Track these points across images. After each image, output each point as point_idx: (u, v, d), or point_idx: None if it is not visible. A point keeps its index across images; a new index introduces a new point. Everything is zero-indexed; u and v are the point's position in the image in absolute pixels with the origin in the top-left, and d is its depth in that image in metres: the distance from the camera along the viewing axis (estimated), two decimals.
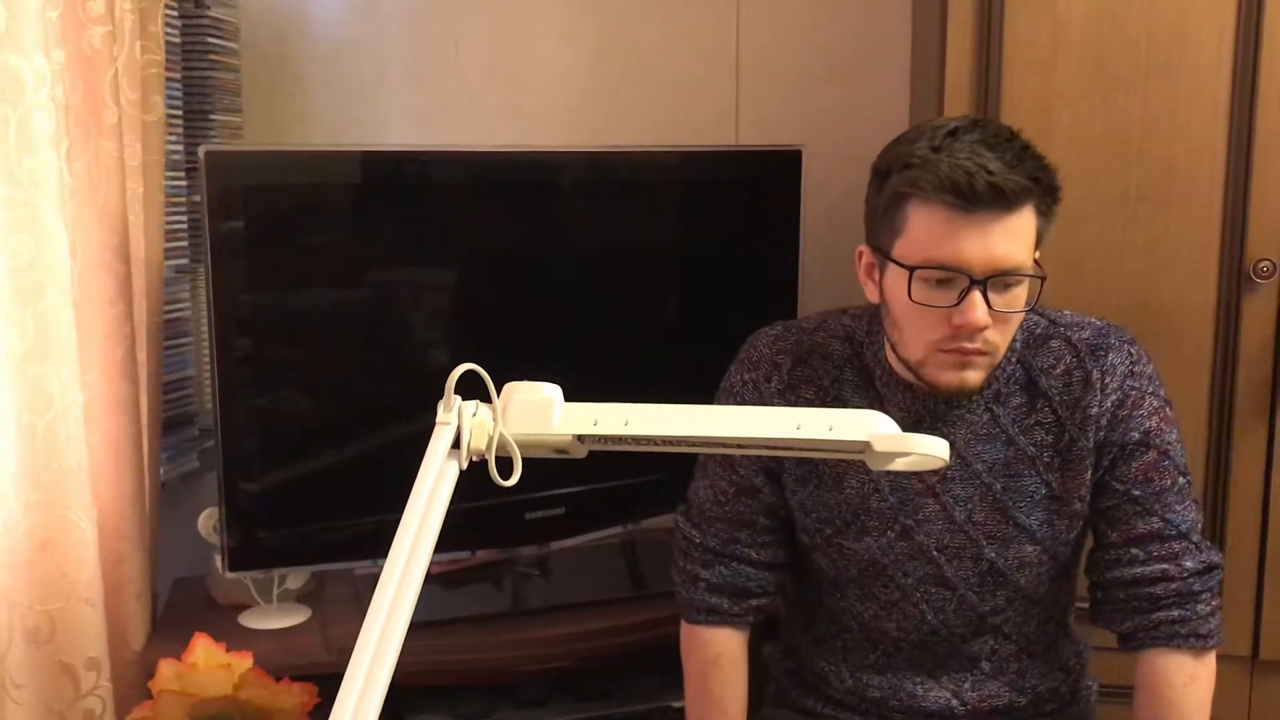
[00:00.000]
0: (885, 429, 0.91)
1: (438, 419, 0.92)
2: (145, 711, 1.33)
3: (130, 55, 1.64)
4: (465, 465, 0.92)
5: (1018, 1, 1.69)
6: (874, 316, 1.35)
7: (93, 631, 1.54)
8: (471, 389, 0.94)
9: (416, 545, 0.86)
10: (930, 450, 0.91)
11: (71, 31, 1.53)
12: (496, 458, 0.93)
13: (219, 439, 1.64)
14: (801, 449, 0.95)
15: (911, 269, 1.21)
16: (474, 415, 0.93)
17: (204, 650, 1.31)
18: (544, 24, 2.19)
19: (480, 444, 0.93)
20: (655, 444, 0.96)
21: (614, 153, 1.93)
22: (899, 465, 0.94)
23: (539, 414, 0.94)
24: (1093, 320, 1.36)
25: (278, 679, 1.35)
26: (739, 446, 0.97)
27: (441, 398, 0.92)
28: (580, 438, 0.95)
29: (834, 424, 0.91)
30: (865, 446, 0.91)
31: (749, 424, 0.94)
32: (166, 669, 1.31)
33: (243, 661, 1.33)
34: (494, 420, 0.93)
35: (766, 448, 0.99)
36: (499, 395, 0.95)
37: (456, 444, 0.92)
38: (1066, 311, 1.37)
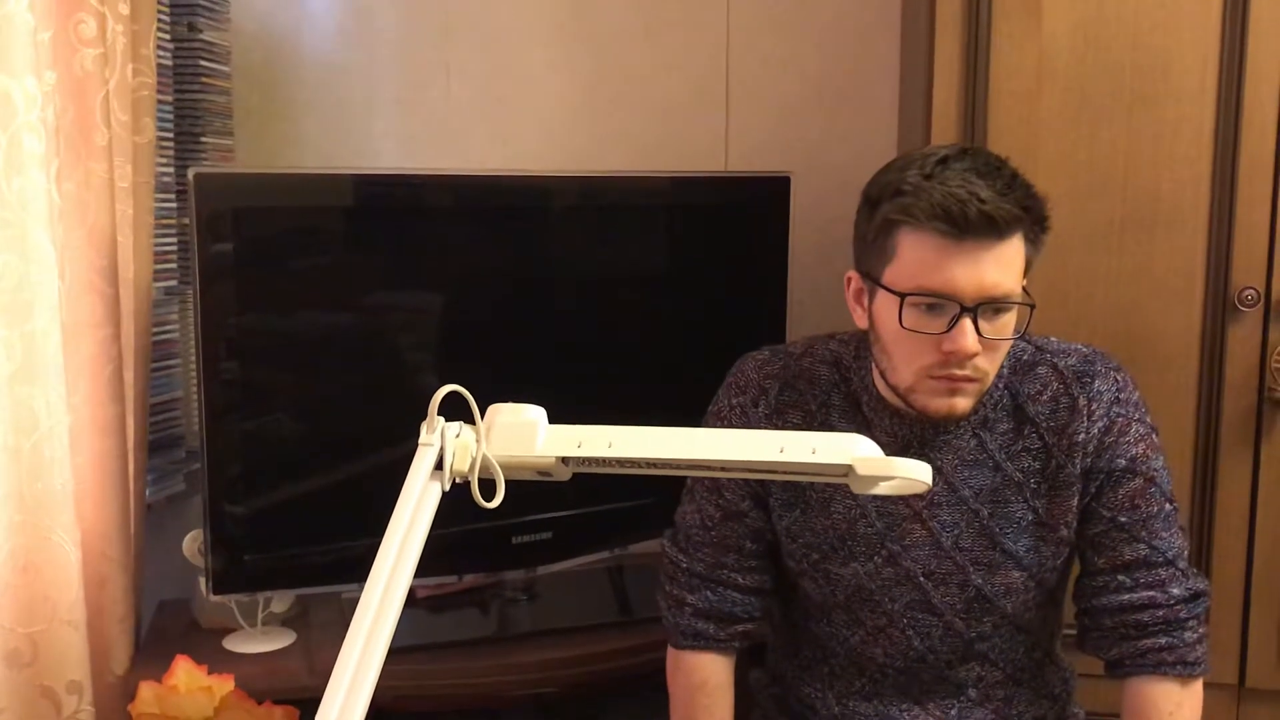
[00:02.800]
0: (868, 452, 0.91)
1: (420, 440, 0.92)
2: None
3: (122, 78, 1.65)
4: (448, 486, 0.92)
5: (1003, 32, 1.71)
6: (861, 342, 1.35)
7: (75, 655, 1.53)
8: (458, 412, 0.94)
9: (398, 566, 0.85)
10: (912, 474, 0.91)
11: (63, 53, 1.53)
12: (480, 480, 0.93)
13: (205, 462, 1.63)
14: (786, 472, 0.95)
15: (902, 295, 1.21)
16: (457, 436, 0.93)
17: (185, 673, 1.30)
18: (535, 50, 2.20)
19: (463, 465, 0.93)
20: (639, 466, 0.96)
21: (604, 178, 1.94)
22: (883, 489, 0.94)
23: (523, 436, 0.94)
24: (1079, 347, 1.36)
25: (260, 703, 1.34)
26: (723, 469, 0.97)
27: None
28: (564, 460, 0.95)
29: (817, 447, 0.91)
30: (849, 470, 0.92)
31: (733, 446, 0.94)
32: (146, 691, 1.30)
33: (224, 684, 1.32)
34: (477, 441, 0.93)
35: (751, 470, 0.99)
36: (483, 417, 0.95)
37: (440, 465, 0.92)
38: (1053, 338, 1.37)
